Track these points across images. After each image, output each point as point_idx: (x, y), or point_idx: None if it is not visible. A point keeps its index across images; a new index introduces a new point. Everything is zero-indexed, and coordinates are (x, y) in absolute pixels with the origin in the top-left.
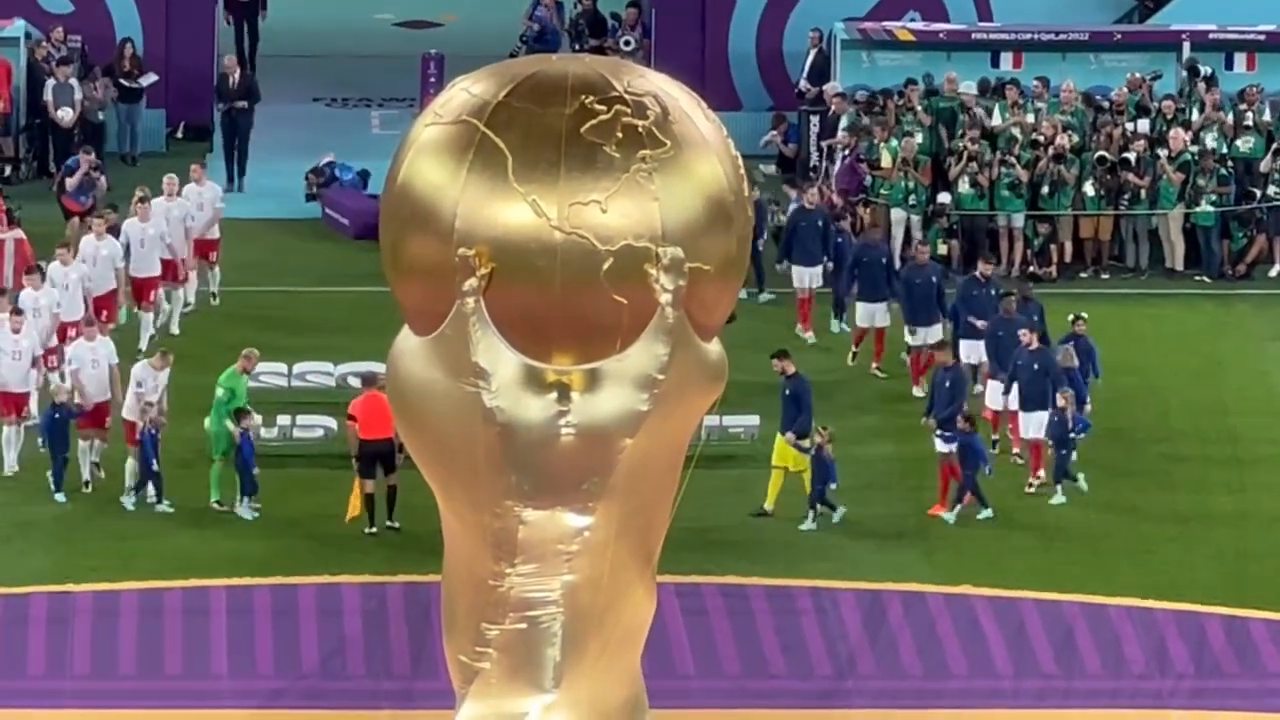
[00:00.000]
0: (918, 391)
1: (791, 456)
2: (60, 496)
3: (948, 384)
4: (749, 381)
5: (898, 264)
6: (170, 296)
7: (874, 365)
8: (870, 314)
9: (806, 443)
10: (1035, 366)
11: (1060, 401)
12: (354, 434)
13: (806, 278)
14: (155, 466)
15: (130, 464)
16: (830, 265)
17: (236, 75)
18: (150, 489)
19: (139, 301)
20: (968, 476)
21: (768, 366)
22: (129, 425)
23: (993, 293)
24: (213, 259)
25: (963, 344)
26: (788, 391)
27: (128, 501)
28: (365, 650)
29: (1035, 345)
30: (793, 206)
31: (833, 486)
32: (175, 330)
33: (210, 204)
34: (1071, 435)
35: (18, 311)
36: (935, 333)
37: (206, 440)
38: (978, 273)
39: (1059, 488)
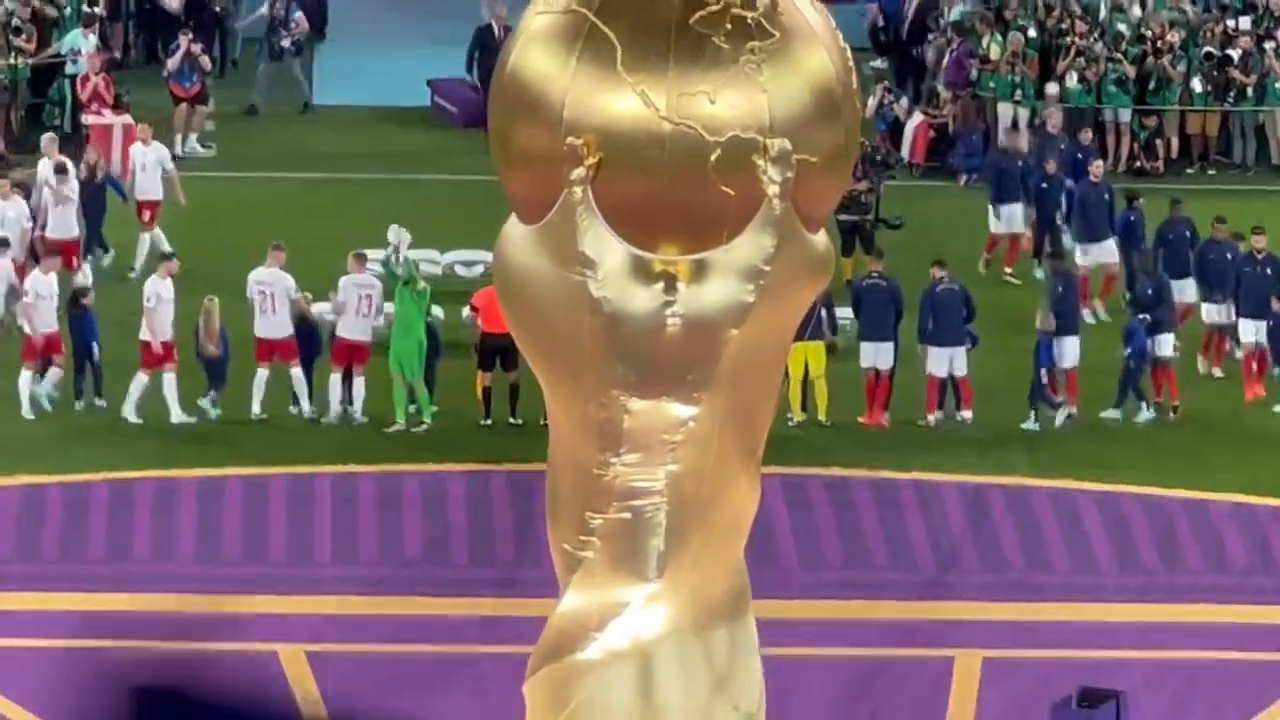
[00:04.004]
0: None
1: (801, 364)
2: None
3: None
4: None
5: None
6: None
7: (1098, 303)
8: (1097, 254)
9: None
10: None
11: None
12: (476, 325)
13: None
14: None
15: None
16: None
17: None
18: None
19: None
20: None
21: None
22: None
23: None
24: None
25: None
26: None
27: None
28: (469, 538)
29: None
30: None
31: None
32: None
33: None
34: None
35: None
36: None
37: (396, 361)
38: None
39: None
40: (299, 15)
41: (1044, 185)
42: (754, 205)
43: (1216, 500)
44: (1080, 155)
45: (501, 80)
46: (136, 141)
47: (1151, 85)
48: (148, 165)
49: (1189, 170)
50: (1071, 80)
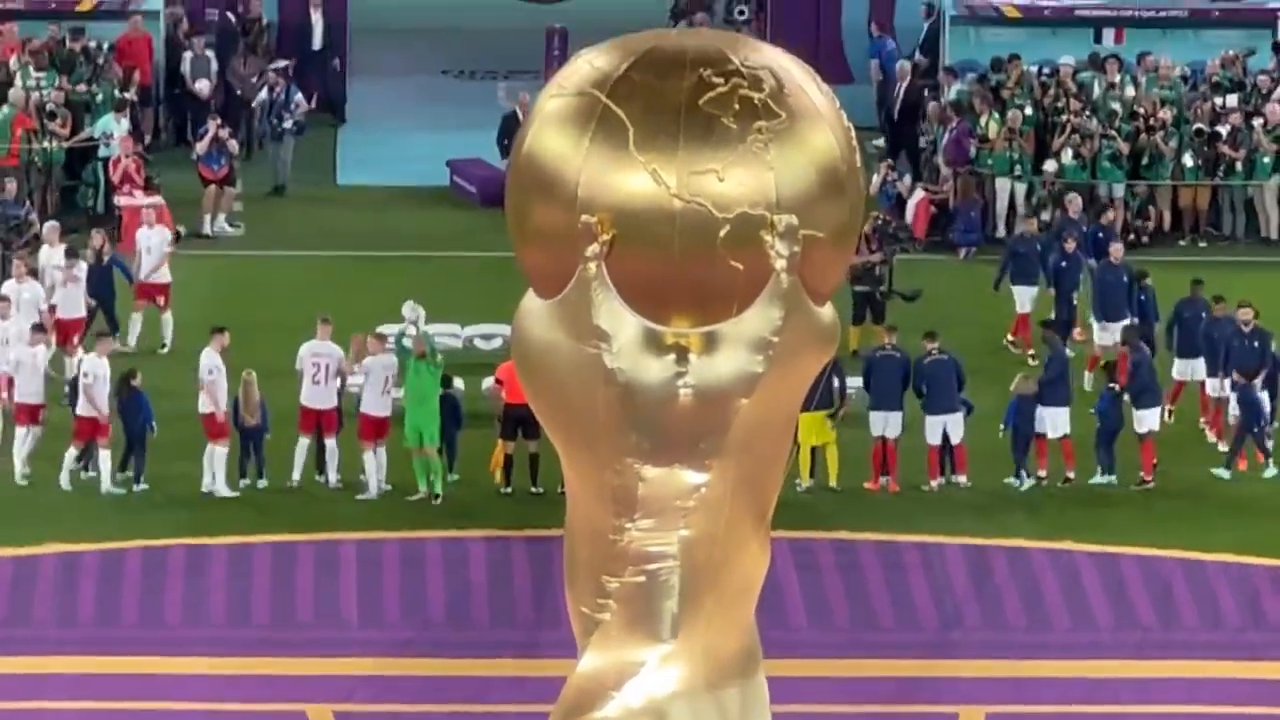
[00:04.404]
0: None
1: (816, 433)
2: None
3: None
4: None
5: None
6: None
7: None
8: (1114, 334)
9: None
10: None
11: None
12: (499, 396)
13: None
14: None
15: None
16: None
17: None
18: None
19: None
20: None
21: None
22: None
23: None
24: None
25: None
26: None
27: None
28: (491, 602)
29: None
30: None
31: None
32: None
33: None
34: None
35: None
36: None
37: (414, 432)
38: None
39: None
40: (299, 97)
41: (1063, 264)
42: (762, 279)
43: (1210, 560)
44: (1101, 235)
45: (518, 161)
46: (143, 225)
47: (1144, 161)
48: (153, 247)
49: (1181, 242)
50: (1067, 156)
